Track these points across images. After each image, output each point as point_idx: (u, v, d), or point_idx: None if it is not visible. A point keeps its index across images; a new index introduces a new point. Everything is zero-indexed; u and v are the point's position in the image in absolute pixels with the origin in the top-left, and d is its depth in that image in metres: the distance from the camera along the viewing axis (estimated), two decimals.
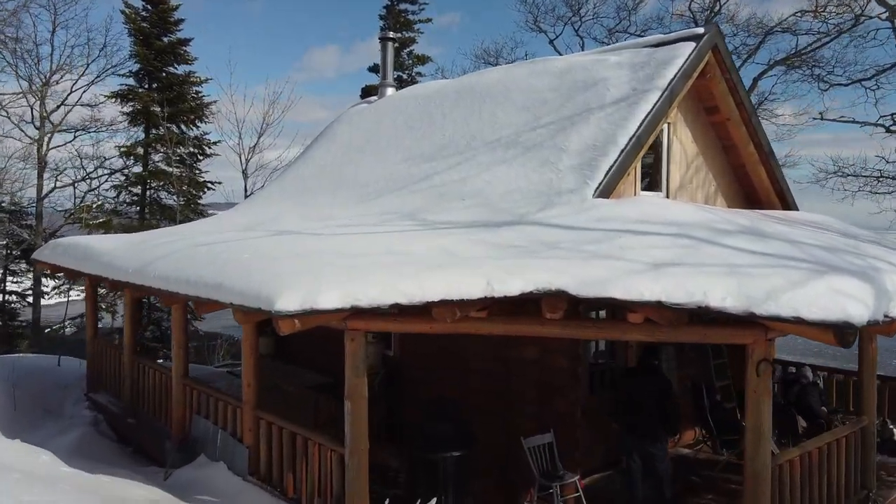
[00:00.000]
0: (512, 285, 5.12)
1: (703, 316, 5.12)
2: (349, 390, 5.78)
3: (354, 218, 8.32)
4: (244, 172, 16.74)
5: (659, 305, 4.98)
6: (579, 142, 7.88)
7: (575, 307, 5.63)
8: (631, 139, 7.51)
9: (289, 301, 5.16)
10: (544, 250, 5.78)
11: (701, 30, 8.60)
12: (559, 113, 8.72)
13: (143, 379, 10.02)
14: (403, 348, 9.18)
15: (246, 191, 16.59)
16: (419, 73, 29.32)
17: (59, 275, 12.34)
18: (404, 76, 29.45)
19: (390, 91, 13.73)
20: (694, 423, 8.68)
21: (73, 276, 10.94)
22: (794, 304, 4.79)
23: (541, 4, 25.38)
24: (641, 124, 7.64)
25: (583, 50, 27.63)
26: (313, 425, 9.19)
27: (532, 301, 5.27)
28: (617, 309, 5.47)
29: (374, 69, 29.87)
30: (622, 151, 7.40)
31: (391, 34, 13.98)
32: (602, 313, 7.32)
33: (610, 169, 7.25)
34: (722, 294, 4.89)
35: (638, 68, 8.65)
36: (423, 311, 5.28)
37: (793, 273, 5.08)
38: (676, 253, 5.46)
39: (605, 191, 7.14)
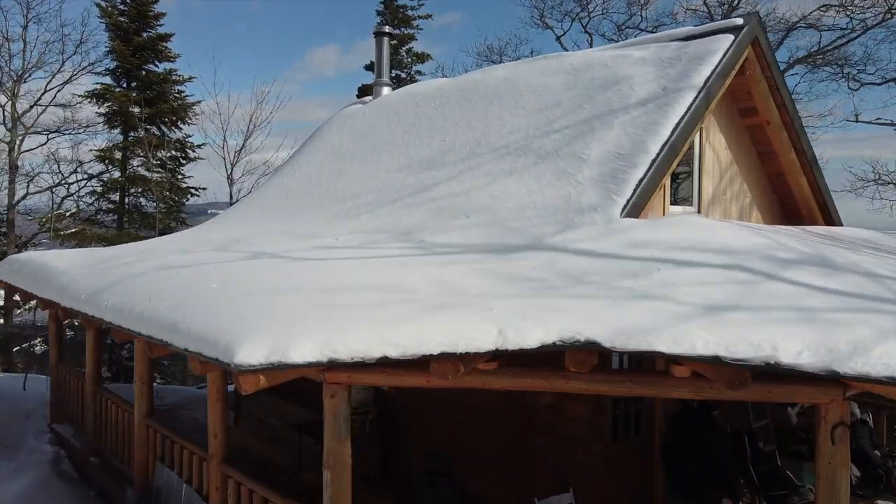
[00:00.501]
0: (530, 335, 4.16)
1: (769, 373, 4.18)
2: (329, 456, 4.81)
3: (342, 237, 7.35)
4: (229, 178, 15.79)
5: (716, 362, 4.02)
6: (601, 150, 6.92)
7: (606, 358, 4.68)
8: (664, 147, 6.55)
9: (252, 352, 4.21)
10: (567, 285, 4.82)
11: (740, 20, 7.64)
12: (576, 116, 7.76)
13: (106, 414, 9.06)
14: None
15: (231, 198, 15.65)
16: (418, 72, 28.40)
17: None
18: (403, 75, 28.53)
19: (386, 91, 12.78)
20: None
21: (28, 298, 9.99)
22: (890, 361, 3.85)
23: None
24: (675, 129, 6.68)
25: (591, 48, 26.77)
26: (297, 468, 8.27)
27: (554, 353, 4.31)
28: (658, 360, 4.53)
29: (370, 67, 28.97)
30: (654, 161, 6.43)
31: (387, 29, 13.02)
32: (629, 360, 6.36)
33: (640, 182, 6.28)
34: (797, 348, 3.93)
35: (667, 65, 7.70)
36: (420, 364, 4.33)
37: (881, 319, 4.12)
38: (732, 291, 4.50)
39: (635, 208, 6.18)
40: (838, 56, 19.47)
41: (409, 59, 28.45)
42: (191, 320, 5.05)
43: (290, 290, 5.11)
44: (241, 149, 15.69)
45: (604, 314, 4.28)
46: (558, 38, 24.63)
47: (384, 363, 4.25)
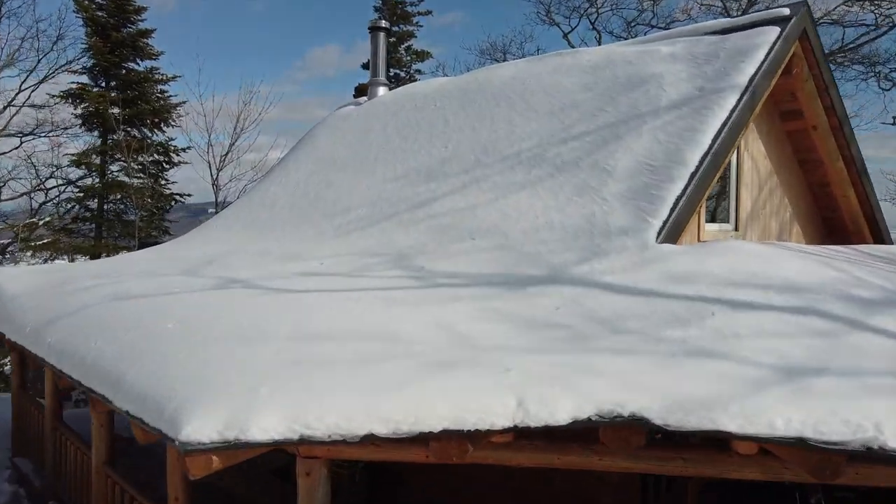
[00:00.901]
0: (558, 407, 3.28)
1: (867, 457, 3.30)
2: None
3: (328, 260, 6.47)
4: (215, 184, 14.90)
5: (802, 444, 3.15)
6: (629, 160, 6.05)
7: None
8: (705, 157, 5.67)
9: (203, 425, 3.36)
10: (600, 334, 3.94)
11: (786, 10, 6.76)
12: (597, 120, 6.89)
13: (64, 454, 8.18)
14: None
15: (217, 205, 14.77)
16: (418, 71, 27.59)
17: None
18: (402, 74, 27.70)
19: (382, 91, 11.91)
20: None
21: None
22: None
23: None
24: (718, 136, 5.80)
25: (599, 45, 25.90)
26: None
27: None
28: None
29: (367, 66, 28.18)
30: (694, 174, 5.55)
31: (383, 23, 12.15)
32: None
33: (678, 199, 5.40)
34: None
35: (702, 62, 6.82)
36: (417, 441, 3.46)
37: None
38: (812, 346, 3.62)
39: (672, 232, 5.30)
40: (867, 54, 18.62)
41: (409, 58, 27.63)
42: (137, 372, 4.20)
43: (258, 337, 4.23)
44: (227, 153, 14.84)
45: (651, 378, 3.40)
46: (565, 35, 23.78)
47: (370, 441, 3.38)
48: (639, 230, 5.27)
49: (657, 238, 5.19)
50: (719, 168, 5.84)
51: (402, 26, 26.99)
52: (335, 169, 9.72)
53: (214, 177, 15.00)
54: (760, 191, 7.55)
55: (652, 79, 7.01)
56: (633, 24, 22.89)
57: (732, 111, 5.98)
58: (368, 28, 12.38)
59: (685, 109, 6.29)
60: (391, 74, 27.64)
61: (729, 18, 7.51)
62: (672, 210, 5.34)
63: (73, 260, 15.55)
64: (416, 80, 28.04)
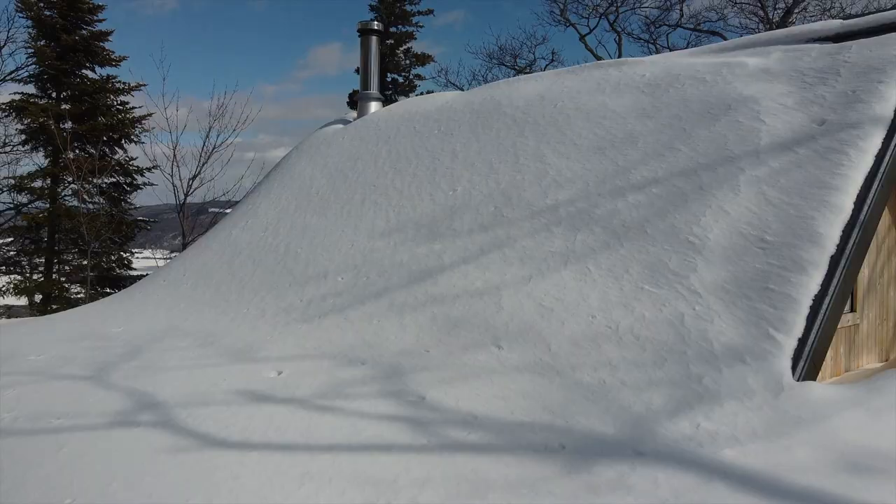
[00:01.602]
0: None
1: None
2: None
3: (289, 366, 4.67)
4: (181, 211, 13.00)
5: None
6: (724, 229, 4.25)
7: None
8: (849, 230, 3.87)
9: None
10: None
11: None
12: (666, 162, 5.10)
13: None
14: None
15: (184, 238, 12.91)
16: (418, 76, 25.83)
17: None
18: (400, 79, 25.98)
19: (374, 107, 10.14)
20: None
21: None
22: None
23: None
24: (864, 197, 4.00)
25: (619, 48, 24.01)
26: None
27: None
28: None
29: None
30: (836, 260, 3.74)
31: (375, 25, 10.37)
32: None
33: (819, 301, 3.59)
34: None
35: (814, 80, 5.03)
36: None
37: None
38: None
39: (816, 358, 3.49)
40: None
41: (408, 62, 25.88)
42: None
43: None
44: (196, 174, 12.98)
45: None
46: (582, 38, 21.99)
47: None
48: (762, 354, 3.45)
49: (794, 370, 3.38)
50: (868, 244, 4.04)
51: (400, 27, 25.26)
52: (313, 209, 7.91)
53: (181, 201, 13.16)
54: (878, 254, 5.75)
55: (741, 104, 5.22)
56: (657, 25, 21.12)
57: (880, 157, 4.18)
58: (358, 31, 10.60)
59: (802, 152, 4.49)
60: (388, 80, 25.92)
61: (839, 21, 5.73)
62: (811, 321, 3.53)
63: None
64: (415, 87, 26.38)
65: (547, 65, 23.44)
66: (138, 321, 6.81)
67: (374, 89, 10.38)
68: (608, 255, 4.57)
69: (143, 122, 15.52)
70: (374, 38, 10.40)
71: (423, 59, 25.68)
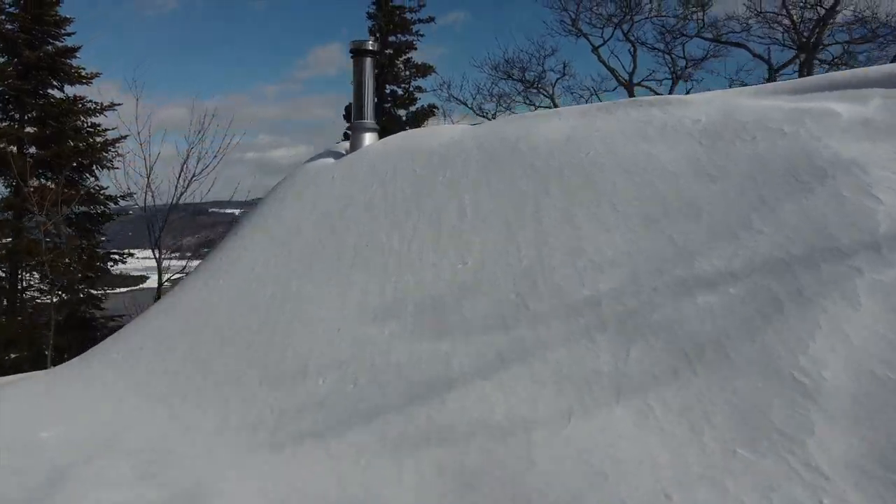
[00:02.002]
0: None
1: None
2: None
3: None
4: (156, 247, 11.86)
5: None
6: (848, 363, 3.10)
7: None
8: None
9: None
10: None
11: None
12: (744, 247, 3.95)
13: None
14: None
15: (160, 283, 11.73)
16: (419, 88, 24.73)
17: None
18: (399, 91, 24.90)
19: (369, 139, 8.99)
20: None
21: None
22: None
23: (581, 0, 20.64)
24: None
25: (634, 60, 22.80)
26: None
27: None
28: None
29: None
30: None
31: (370, 45, 9.24)
32: None
33: None
34: None
35: None
36: None
37: None
38: None
39: None
40: None
41: (408, 72, 24.79)
42: None
43: None
44: (173, 203, 11.83)
45: None
46: (595, 49, 20.82)
47: None
48: None
49: None
50: None
51: (399, 36, 24.18)
52: (295, 268, 6.76)
53: (157, 236, 12.00)
54: None
55: (840, 170, 4.07)
56: (674, 36, 19.97)
57: None
58: (351, 51, 9.44)
59: None
60: (387, 91, 24.82)
61: None
62: None
63: None
64: (416, 100, 25.23)
65: (558, 79, 22.36)
66: (78, 418, 5.65)
67: (368, 118, 9.23)
68: (677, 387, 3.41)
69: (118, 144, 14.38)
70: (368, 60, 9.25)
71: (424, 70, 24.60)
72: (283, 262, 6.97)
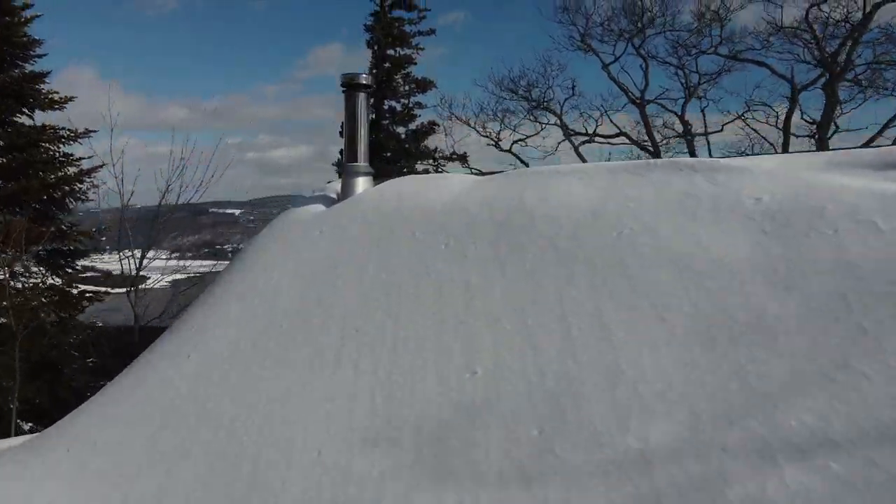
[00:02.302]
0: None
1: None
2: None
3: None
4: (132, 290, 10.93)
5: None
6: None
7: None
8: None
9: None
10: None
11: None
12: (845, 401, 3.06)
13: None
14: None
15: (136, 338, 10.83)
16: (418, 104, 23.88)
17: None
18: (398, 107, 24.07)
19: (363, 185, 8.09)
20: None
21: None
22: None
23: (591, 15, 19.76)
24: None
25: (646, 76, 21.91)
26: None
27: None
28: None
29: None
30: None
31: (363, 78, 8.34)
32: None
33: None
34: None
35: None
36: None
37: None
38: None
39: None
40: None
41: (407, 87, 23.94)
42: None
43: None
44: (145, 251, 10.88)
45: None
46: (605, 67, 19.95)
47: None
48: None
49: None
50: None
51: (398, 50, 23.33)
52: (271, 352, 5.85)
53: (133, 273, 11.08)
54: None
55: None
56: (690, 53, 19.08)
57: None
58: (342, 85, 8.55)
59: None
60: (385, 108, 23.97)
61: None
62: None
63: None
64: (415, 116, 24.32)
65: (566, 99, 21.49)
66: None
67: (362, 160, 8.32)
68: None
69: (94, 174, 13.47)
70: (362, 96, 8.35)
71: (424, 86, 23.75)
72: (260, 343, 6.06)
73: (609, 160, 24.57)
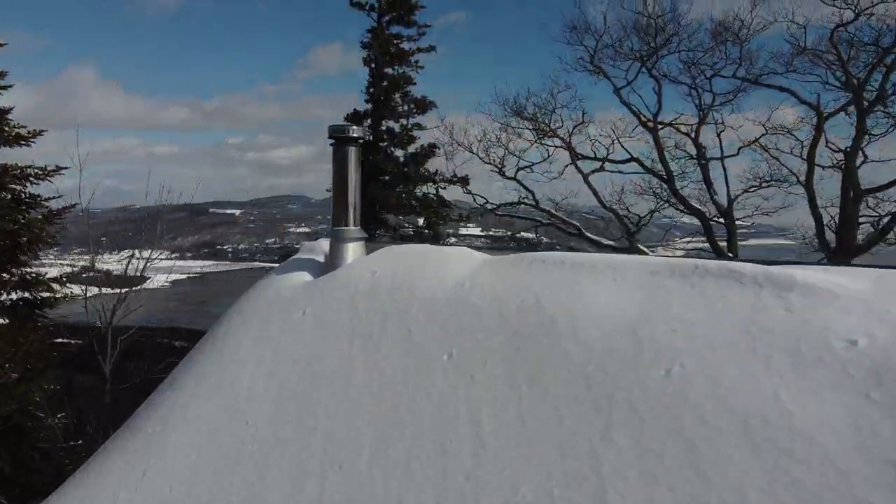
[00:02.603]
0: None
1: None
2: None
3: None
4: (106, 360, 9.93)
5: None
6: None
7: None
8: None
9: None
10: None
11: None
12: None
13: None
14: None
15: (108, 393, 9.86)
16: (418, 126, 23.01)
17: None
18: (397, 128, 23.20)
19: (353, 251, 7.23)
20: None
21: None
22: None
23: (601, 35, 18.83)
24: None
25: (659, 99, 20.98)
26: None
27: None
28: None
29: (355, 117, 23.69)
30: None
31: (354, 130, 7.41)
32: None
33: None
34: None
35: None
36: None
37: None
38: None
39: None
40: None
41: (406, 108, 23.08)
42: None
43: None
44: (116, 305, 9.96)
45: None
46: (617, 91, 19.04)
47: None
48: None
49: None
50: None
51: (396, 68, 22.48)
52: (238, 483, 4.95)
53: (106, 325, 10.19)
54: None
55: None
56: (707, 76, 18.19)
57: None
58: (329, 136, 7.64)
59: None
60: (383, 129, 23.09)
61: None
62: None
63: None
64: (414, 138, 23.41)
65: (576, 126, 20.62)
66: None
67: (352, 223, 7.41)
68: None
69: (63, 216, 12.54)
70: (352, 151, 7.44)
71: (424, 106, 22.88)
72: (223, 470, 5.13)
73: (623, 193, 23.65)
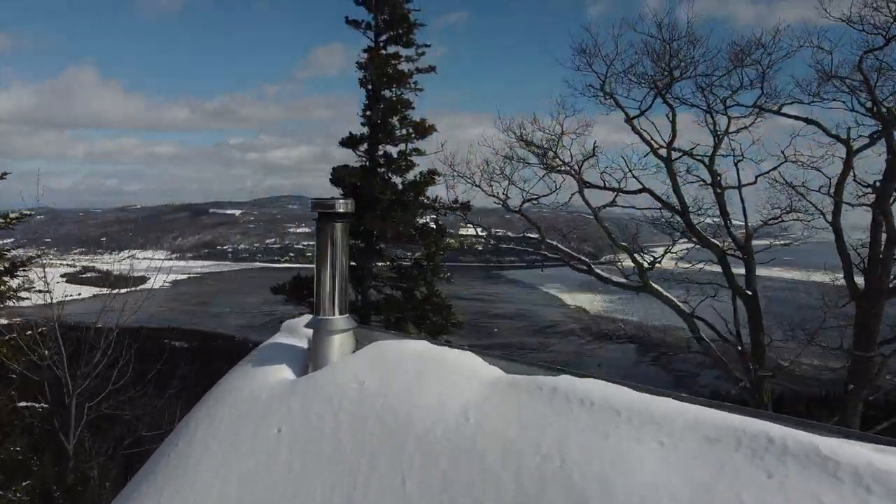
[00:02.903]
0: None
1: None
2: None
3: None
4: (69, 428, 9.12)
5: None
6: None
7: None
8: None
9: None
10: None
11: None
12: None
13: None
14: None
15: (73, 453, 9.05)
16: (417, 151, 22.14)
17: None
18: (395, 154, 22.35)
19: (340, 345, 6.37)
20: None
21: None
22: None
23: (612, 61, 17.94)
24: None
25: (673, 127, 19.96)
26: None
27: None
28: None
29: (350, 143, 22.80)
30: None
31: (341, 205, 6.53)
32: None
33: None
34: None
35: None
36: None
37: None
38: None
39: None
40: None
41: (404, 132, 22.24)
42: None
43: None
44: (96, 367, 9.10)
45: None
46: (630, 120, 18.15)
47: None
48: None
49: None
50: None
51: (395, 90, 21.62)
52: None
53: (70, 397, 9.36)
54: None
55: None
56: (728, 105, 17.32)
57: None
58: (312, 209, 6.76)
59: None
60: (380, 153, 22.22)
61: None
62: None
63: None
64: (412, 164, 22.53)
65: (585, 160, 19.77)
66: None
67: (338, 312, 6.52)
68: None
69: (29, 266, 11.64)
70: (339, 227, 6.56)
71: (423, 130, 22.03)
72: None
73: (638, 229, 22.74)
